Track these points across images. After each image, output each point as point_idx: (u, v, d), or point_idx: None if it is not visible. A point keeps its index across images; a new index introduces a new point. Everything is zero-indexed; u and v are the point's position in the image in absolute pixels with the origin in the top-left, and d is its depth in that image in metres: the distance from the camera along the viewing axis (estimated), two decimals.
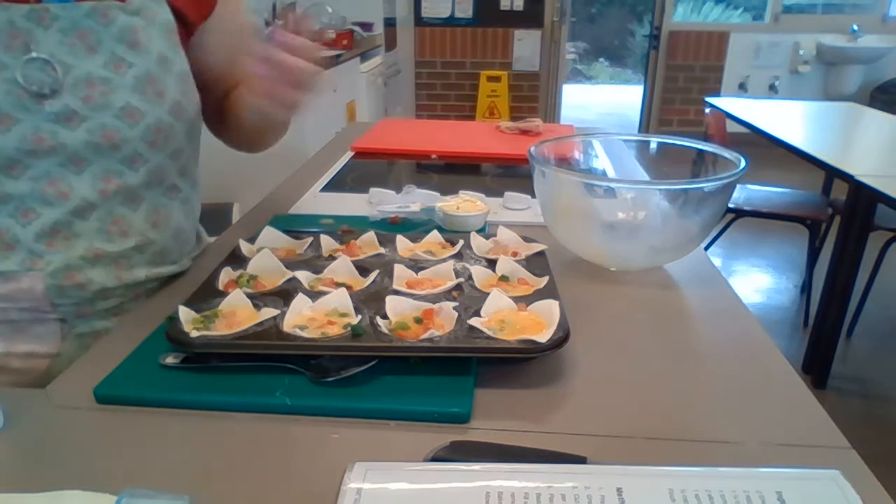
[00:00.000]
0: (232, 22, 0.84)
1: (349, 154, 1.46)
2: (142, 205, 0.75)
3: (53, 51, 0.66)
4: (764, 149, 2.52)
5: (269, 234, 0.88)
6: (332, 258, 0.81)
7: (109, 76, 0.68)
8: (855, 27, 5.11)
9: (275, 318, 0.65)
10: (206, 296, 0.71)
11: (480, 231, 0.94)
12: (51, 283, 0.70)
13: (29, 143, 0.66)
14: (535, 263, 0.81)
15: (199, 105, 0.81)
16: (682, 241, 0.87)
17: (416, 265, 0.80)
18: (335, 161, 1.40)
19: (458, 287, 0.73)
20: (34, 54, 0.65)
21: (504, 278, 0.77)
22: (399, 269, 0.77)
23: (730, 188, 0.82)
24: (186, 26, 0.77)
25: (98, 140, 0.68)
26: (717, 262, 2.98)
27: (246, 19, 0.87)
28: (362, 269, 0.78)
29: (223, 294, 0.70)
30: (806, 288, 2.75)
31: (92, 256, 0.72)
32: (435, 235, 0.89)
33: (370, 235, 0.88)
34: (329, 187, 1.23)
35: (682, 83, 5.34)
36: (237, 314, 0.67)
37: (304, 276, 0.75)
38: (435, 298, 0.70)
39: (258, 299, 0.69)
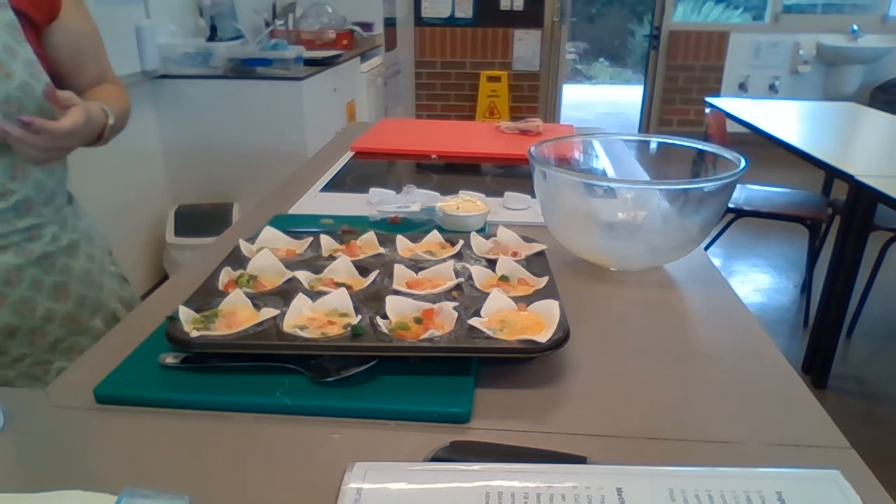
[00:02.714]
0: (75, 26, 0.95)
1: (349, 154, 1.46)
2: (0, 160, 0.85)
3: None
4: (764, 149, 2.52)
5: (269, 234, 0.88)
6: (332, 258, 0.81)
7: None
8: (855, 27, 5.11)
9: (275, 318, 0.65)
10: (206, 296, 0.71)
11: (480, 231, 0.94)
12: None
13: None
14: (535, 263, 0.81)
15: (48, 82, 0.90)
16: (682, 241, 0.87)
17: (416, 265, 0.80)
18: (335, 161, 1.40)
19: (458, 287, 0.73)
20: None
21: (504, 278, 0.77)
22: (399, 269, 0.77)
23: (730, 188, 0.82)
24: (33, 26, 0.88)
25: None
26: (717, 262, 2.98)
27: (90, 26, 0.99)
28: (362, 269, 0.78)
29: (223, 294, 0.70)
30: (806, 288, 2.75)
31: None
32: (435, 235, 0.89)
33: (370, 235, 0.88)
34: (329, 187, 1.23)
35: (682, 83, 5.33)
36: (237, 314, 0.67)
37: (304, 276, 0.75)
38: (435, 298, 0.70)
39: (258, 299, 0.69)
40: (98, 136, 0.92)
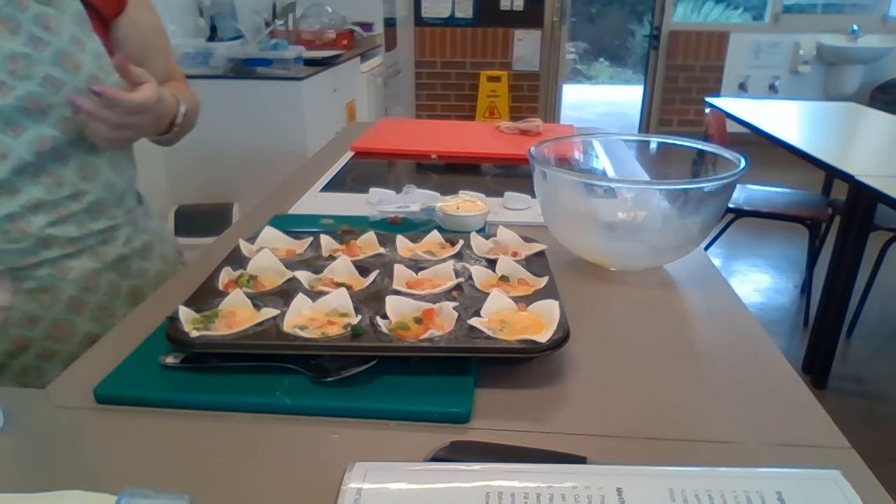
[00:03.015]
0: (142, 20, 0.95)
1: (349, 154, 1.46)
2: (71, 160, 0.84)
3: None
4: (764, 149, 2.52)
5: (269, 234, 0.88)
6: (332, 258, 0.81)
7: (30, 52, 0.78)
8: (855, 27, 5.11)
9: (275, 318, 0.65)
10: (206, 296, 0.71)
11: (480, 231, 0.94)
12: None
13: None
14: (535, 263, 0.81)
15: (119, 81, 0.88)
16: (682, 241, 0.87)
17: (416, 265, 0.80)
18: (335, 161, 1.40)
19: (458, 287, 0.73)
20: None
21: (504, 278, 0.77)
22: (399, 269, 0.77)
23: (730, 188, 0.82)
24: (101, 19, 0.87)
25: (27, 105, 0.78)
26: (717, 262, 2.98)
27: (156, 20, 0.99)
28: (362, 269, 0.78)
29: (223, 294, 0.70)
30: (806, 288, 2.75)
31: (31, 205, 0.80)
32: (435, 235, 0.89)
33: (370, 235, 0.88)
34: (329, 187, 1.22)
35: (682, 83, 5.33)
36: (237, 314, 0.67)
37: (304, 276, 0.75)
38: (435, 298, 0.70)
39: (258, 299, 0.69)
40: (169, 125, 0.91)
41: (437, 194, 1.07)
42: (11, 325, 0.81)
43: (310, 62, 2.86)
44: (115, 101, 0.78)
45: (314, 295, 0.70)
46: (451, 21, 5.04)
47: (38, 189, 0.81)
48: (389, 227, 0.98)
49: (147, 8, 0.96)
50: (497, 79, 5.04)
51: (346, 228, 0.93)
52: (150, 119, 0.85)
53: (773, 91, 5.33)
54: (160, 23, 0.99)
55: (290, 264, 0.79)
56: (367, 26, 3.86)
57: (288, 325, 0.64)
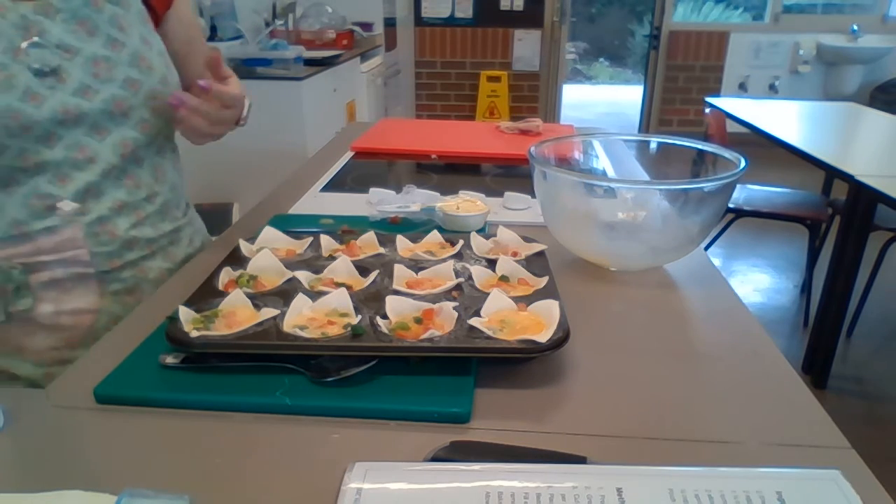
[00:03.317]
0: (185, 14, 0.97)
1: (349, 154, 1.46)
2: (145, 162, 0.87)
3: (62, 38, 0.77)
4: (764, 149, 2.52)
5: (269, 234, 0.88)
6: (332, 258, 0.81)
7: (109, 54, 0.80)
8: (855, 27, 5.10)
9: (275, 318, 0.65)
10: (206, 296, 0.71)
11: (480, 231, 0.94)
12: (88, 232, 0.82)
13: (59, 115, 0.76)
14: (535, 263, 0.81)
15: (178, 80, 0.91)
16: (682, 241, 0.87)
17: (416, 265, 0.80)
18: (335, 161, 1.40)
19: (458, 287, 0.73)
20: (36, 39, 0.75)
21: (504, 278, 0.77)
22: (399, 269, 0.77)
23: (730, 188, 0.82)
24: (154, 15, 0.90)
25: (112, 108, 0.80)
26: (717, 262, 2.98)
27: (194, 14, 1.02)
28: (362, 269, 0.78)
29: (223, 294, 0.70)
30: (806, 288, 2.75)
31: (117, 207, 0.84)
32: (435, 235, 0.89)
33: (370, 235, 0.88)
34: (329, 187, 1.22)
35: (682, 83, 5.33)
36: (237, 314, 0.67)
37: (304, 276, 0.75)
38: (435, 298, 0.70)
39: (258, 299, 0.69)
40: (237, 118, 0.92)
41: (437, 194, 1.07)
42: (98, 327, 0.82)
43: (310, 62, 2.86)
44: (219, 94, 0.80)
45: (314, 295, 0.70)
46: (451, 21, 5.04)
47: (121, 192, 0.84)
48: (389, 227, 0.98)
49: (186, 2, 0.98)
50: (497, 79, 5.04)
51: (346, 228, 0.93)
52: (237, 113, 0.87)
53: (773, 91, 5.33)
54: (196, 16, 1.00)
55: (290, 264, 0.79)
56: (367, 26, 3.86)
57: (288, 325, 0.64)
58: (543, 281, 0.75)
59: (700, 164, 0.95)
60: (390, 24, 4.22)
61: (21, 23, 0.74)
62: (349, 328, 0.63)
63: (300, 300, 0.68)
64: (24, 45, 0.74)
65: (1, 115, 0.72)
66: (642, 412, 0.59)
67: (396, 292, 0.72)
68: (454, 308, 0.67)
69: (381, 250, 0.85)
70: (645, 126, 5.55)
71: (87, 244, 0.82)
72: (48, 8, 0.76)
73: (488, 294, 0.70)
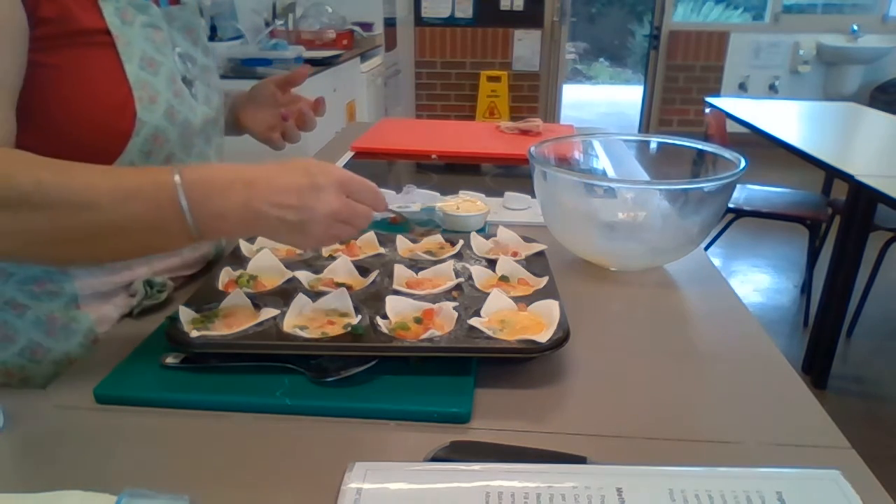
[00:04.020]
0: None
1: (349, 154, 1.46)
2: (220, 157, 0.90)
3: (184, 46, 0.78)
4: (764, 149, 2.52)
5: None
6: (332, 258, 0.81)
7: (209, 63, 0.83)
8: (855, 27, 5.10)
9: (275, 318, 0.65)
10: (206, 296, 0.71)
11: (480, 231, 0.94)
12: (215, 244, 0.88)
13: (201, 123, 0.78)
14: (535, 263, 0.81)
15: None
16: (682, 241, 0.87)
17: (416, 265, 0.80)
18: (335, 161, 1.40)
19: (458, 287, 0.73)
20: (178, 49, 0.76)
21: (504, 278, 0.77)
22: (399, 269, 0.77)
23: (730, 188, 0.82)
24: None
25: (216, 116, 0.84)
26: (717, 262, 2.98)
27: None
28: (362, 269, 0.78)
29: (223, 294, 0.70)
30: (806, 288, 2.75)
31: None
32: (435, 235, 0.89)
33: (370, 235, 0.88)
34: None
35: (682, 83, 5.33)
36: (237, 314, 0.67)
37: (304, 276, 0.75)
38: (435, 298, 0.70)
39: (258, 299, 0.69)
40: None
41: (437, 194, 1.07)
42: None
43: (310, 62, 2.86)
44: (321, 105, 0.93)
45: (314, 295, 0.70)
46: (451, 21, 5.04)
47: None
48: (389, 227, 0.98)
49: None
50: (497, 79, 5.04)
51: None
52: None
53: (773, 91, 5.33)
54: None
55: (290, 264, 0.79)
56: (367, 26, 3.86)
57: (288, 325, 0.64)
58: (543, 281, 0.75)
59: (700, 164, 0.95)
60: (390, 24, 4.22)
61: (152, 30, 0.73)
62: (349, 328, 0.63)
63: (300, 300, 0.68)
64: (175, 54, 0.75)
65: (180, 124, 0.72)
66: (642, 412, 0.59)
67: (396, 292, 0.72)
68: (454, 308, 0.67)
69: (381, 250, 0.85)
70: (645, 126, 5.55)
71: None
72: (169, 16, 0.76)
73: (488, 294, 0.70)
